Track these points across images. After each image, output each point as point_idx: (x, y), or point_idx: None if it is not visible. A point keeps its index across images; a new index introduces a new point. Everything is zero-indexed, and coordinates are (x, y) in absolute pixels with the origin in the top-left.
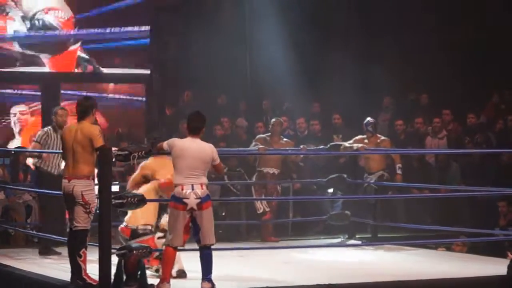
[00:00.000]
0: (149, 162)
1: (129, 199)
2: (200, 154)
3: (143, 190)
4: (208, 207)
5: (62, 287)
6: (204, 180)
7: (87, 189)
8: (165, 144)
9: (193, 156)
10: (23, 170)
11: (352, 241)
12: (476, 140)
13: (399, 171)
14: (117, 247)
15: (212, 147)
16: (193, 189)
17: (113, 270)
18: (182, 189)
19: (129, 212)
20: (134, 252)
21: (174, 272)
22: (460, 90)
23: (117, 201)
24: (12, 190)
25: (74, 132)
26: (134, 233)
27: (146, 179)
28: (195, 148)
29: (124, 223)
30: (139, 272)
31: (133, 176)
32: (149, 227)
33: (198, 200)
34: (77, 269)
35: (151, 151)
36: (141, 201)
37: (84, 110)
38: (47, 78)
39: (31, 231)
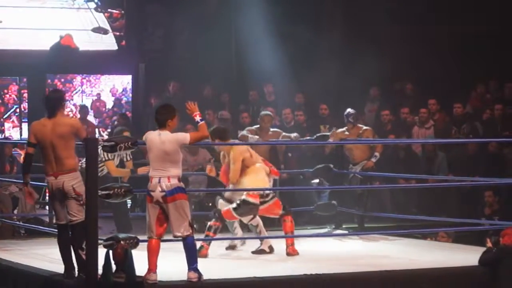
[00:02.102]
0: (238, 149)
1: (116, 190)
2: (162, 146)
3: (256, 170)
4: (175, 200)
5: (50, 278)
6: (173, 172)
7: (77, 181)
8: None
9: (157, 148)
10: (9, 161)
11: (339, 231)
12: (463, 130)
13: (373, 159)
14: (104, 238)
15: (176, 134)
16: (159, 182)
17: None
18: (151, 182)
19: (245, 183)
20: (121, 242)
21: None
22: (446, 80)
23: (103, 192)
24: None
25: (51, 127)
26: (262, 197)
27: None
28: (158, 141)
29: (251, 192)
30: (126, 263)
31: (233, 168)
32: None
33: (163, 193)
34: (81, 262)
35: (137, 142)
36: (128, 192)
37: (54, 104)
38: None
39: (18, 223)
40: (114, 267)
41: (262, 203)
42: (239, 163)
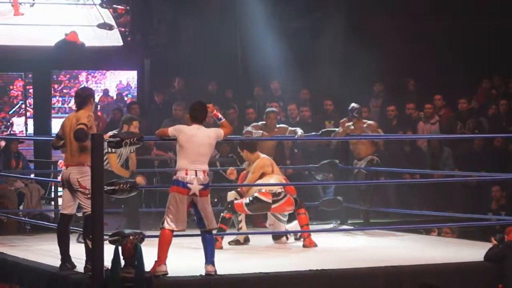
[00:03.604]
0: (261, 160)
1: (121, 185)
2: (207, 140)
3: (271, 175)
4: (208, 194)
5: (56, 273)
6: (207, 167)
7: (83, 175)
8: (171, 130)
9: (201, 142)
10: (15, 157)
11: (344, 227)
12: (468, 125)
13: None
14: (109, 233)
15: (215, 129)
16: (196, 175)
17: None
18: (186, 174)
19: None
20: (130, 237)
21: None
22: (451, 75)
23: (109, 188)
24: (4, 178)
25: (71, 121)
26: (275, 196)
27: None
28: (201, 134)
29: (262, 190)
30: (136, 258)
31: (249, 177)
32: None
33: (201, 187)
34: (87, 252)
35: (143, 138)
36: (133, 187)
37: (81, 100)
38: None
39: (23, 218)
40: (122, 262)
41: (274, 202)
42: (257, 174)
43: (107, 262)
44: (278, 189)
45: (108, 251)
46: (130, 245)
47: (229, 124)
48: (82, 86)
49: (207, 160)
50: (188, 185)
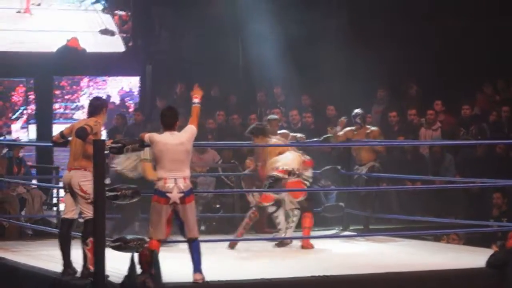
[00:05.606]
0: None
1: (123, 191)
2: (182, 146)
3: (290, 157)
4: (191, 201)
5: (58, 279)
6: (187, 173)
7: (85, 179)
8: (146, 137)
9: (175, 149)
10: (17, 163)
11: (346, 233)
12: (471, 131)
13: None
14: (111, 239)
15: (187, 130)
16: (176, 183)
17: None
18: (165, 183)
19: (278, 161)
20: (147, 244)
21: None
22: (453, 81)
23: (111, 194)
24: (6, 183)
25: (80, 124)
26: (291, 173)
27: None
28: (175, 141)
29: (280, 168)
30: (153, 265)
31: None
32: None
33: (181, 195)
34: (84, 257)
35: (144, 144)
36: (136, 193)
37: (94, 109)
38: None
39: (25, 223)
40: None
41: (289, 175)
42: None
43: (109, 268)
44: (294, 166)
45: (109, 256)
46: (148, 251)
47: (197, 116)
48: (97, 95)
49: (186, 165)
50: (167, 194)
